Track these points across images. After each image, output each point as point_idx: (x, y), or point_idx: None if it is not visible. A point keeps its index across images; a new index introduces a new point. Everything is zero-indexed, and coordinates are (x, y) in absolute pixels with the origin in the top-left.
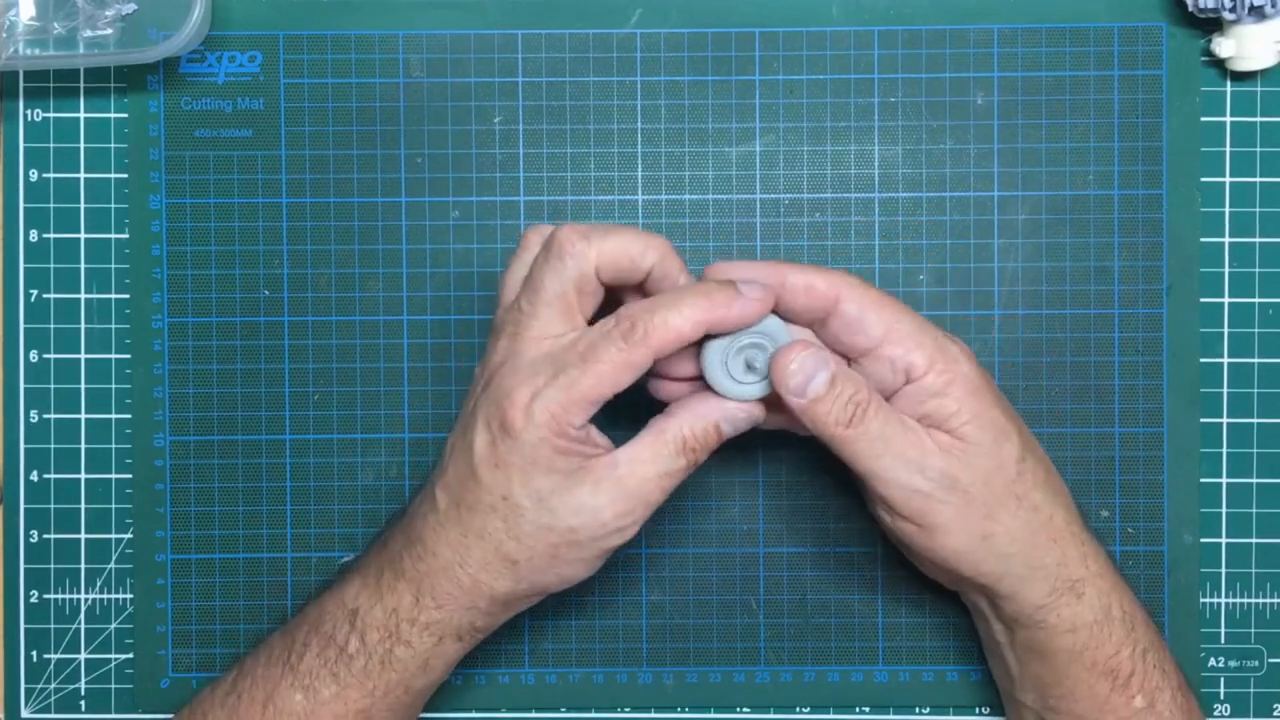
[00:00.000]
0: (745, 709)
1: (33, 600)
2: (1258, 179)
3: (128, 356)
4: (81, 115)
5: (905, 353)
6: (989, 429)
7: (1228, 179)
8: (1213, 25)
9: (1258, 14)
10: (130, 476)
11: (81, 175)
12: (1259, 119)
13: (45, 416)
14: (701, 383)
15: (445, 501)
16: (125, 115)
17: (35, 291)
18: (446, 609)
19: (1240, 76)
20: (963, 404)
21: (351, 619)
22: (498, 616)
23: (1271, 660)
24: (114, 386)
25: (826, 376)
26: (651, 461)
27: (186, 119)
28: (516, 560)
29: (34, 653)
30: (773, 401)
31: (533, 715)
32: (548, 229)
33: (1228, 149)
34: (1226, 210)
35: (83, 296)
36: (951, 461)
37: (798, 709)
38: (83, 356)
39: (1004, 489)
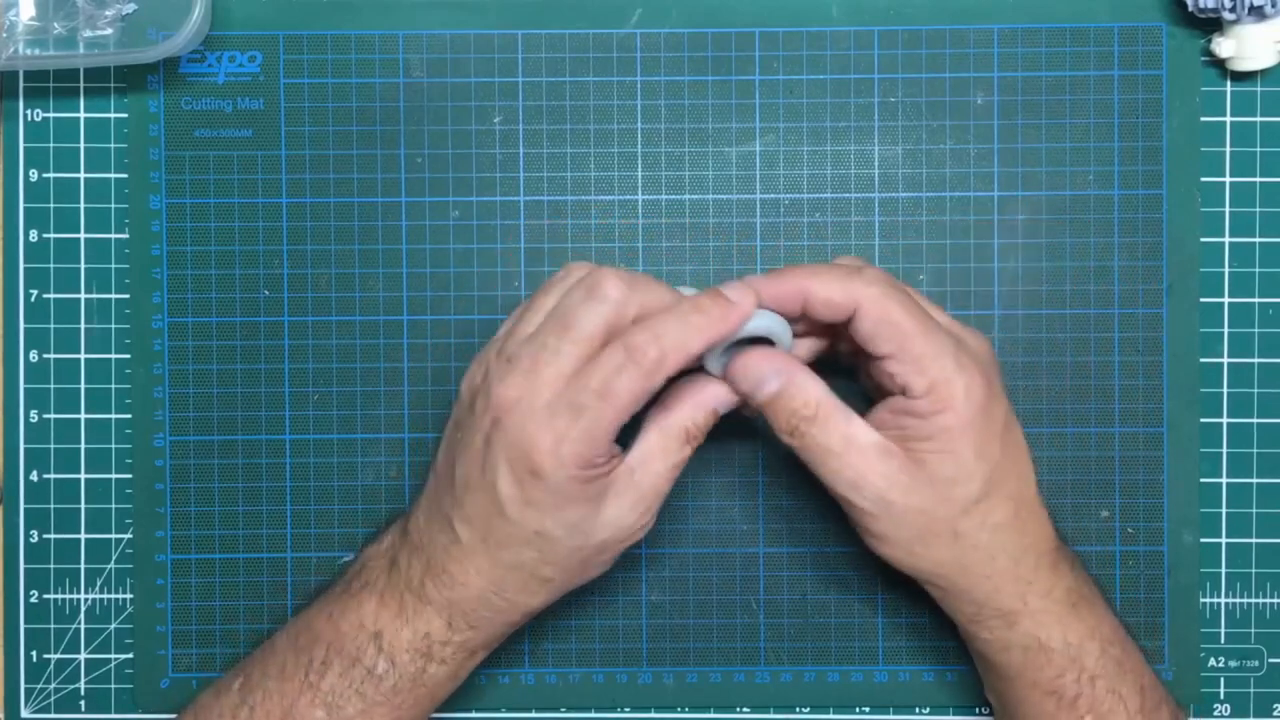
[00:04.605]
0: (745, 709)
1: (33, 600)
2: (1258, 179)
3: (128, 356)
4: (81, 115)
5: (905, 374)
6: (951, 466)
7: (1228, 179)
8: (1213, 25)
9: (1258, 14)
10: (130, 476)
11: (81, 175)
12: (1259, 119)
13: (45, 416)
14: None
15: (470, 536)
16: (125, 115)
17: (35, 291)
18: (482, 630)
19: (1240, 76)
20: (938, 435)
21: (377, 642)
22: (526, 621)
23: (1271, 660)
24: (114, 386)
25: (773, 388)
26: (661, 458)
27: (186, 119)
28: (551, 579)
29: (34, 653)
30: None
31: (533, 715)
32: (587, 267)
33: (1228, 149)
34: (1226, 210)
35: (83, 296)
36: (892, 488)
37: (798, 709)
38: (83, 356)
39: (943, 523)
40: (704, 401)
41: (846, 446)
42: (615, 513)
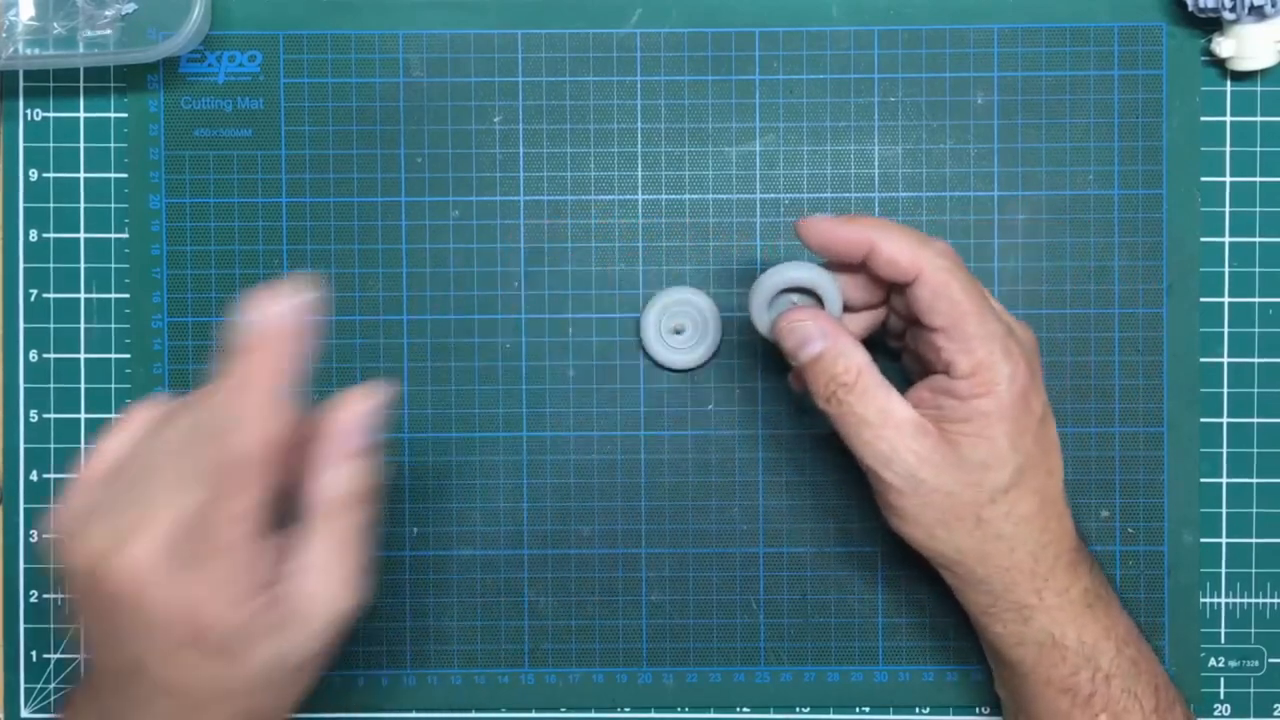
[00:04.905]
0: (745, 709)
1: (33, 600)
2: (1258, 179)
3: (128, 356)
4: (81, 115)
5: (952, 351)
6: (984, 451)
7: (1228, 179)
8: (1213, 25)
9: (1258, 14)
10: None
11: (81, 175)
12: (1259, 119)
13: (45, 416)
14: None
15: (171, 709)
16: (125, 115)
17: (35, 291)
18: None
19: (1240, 76)
20: (975, 418)
21: None
22: None
23: (1271, 660)
24: (114, 386)
25: (816, 350)
26: (331, 538)
27: (186, 119)
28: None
29: (34, 653)
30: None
31: (533, 715)
32: (140, 414)
33: (1228, 149)
34: (1226, 210)
35: (83, 296)
36: (923, 465)
37: (798, 709)
38: (83, 356)
39: (968, 508)
40: (343, 453)
41: (883, 419)
42: (286, 646)
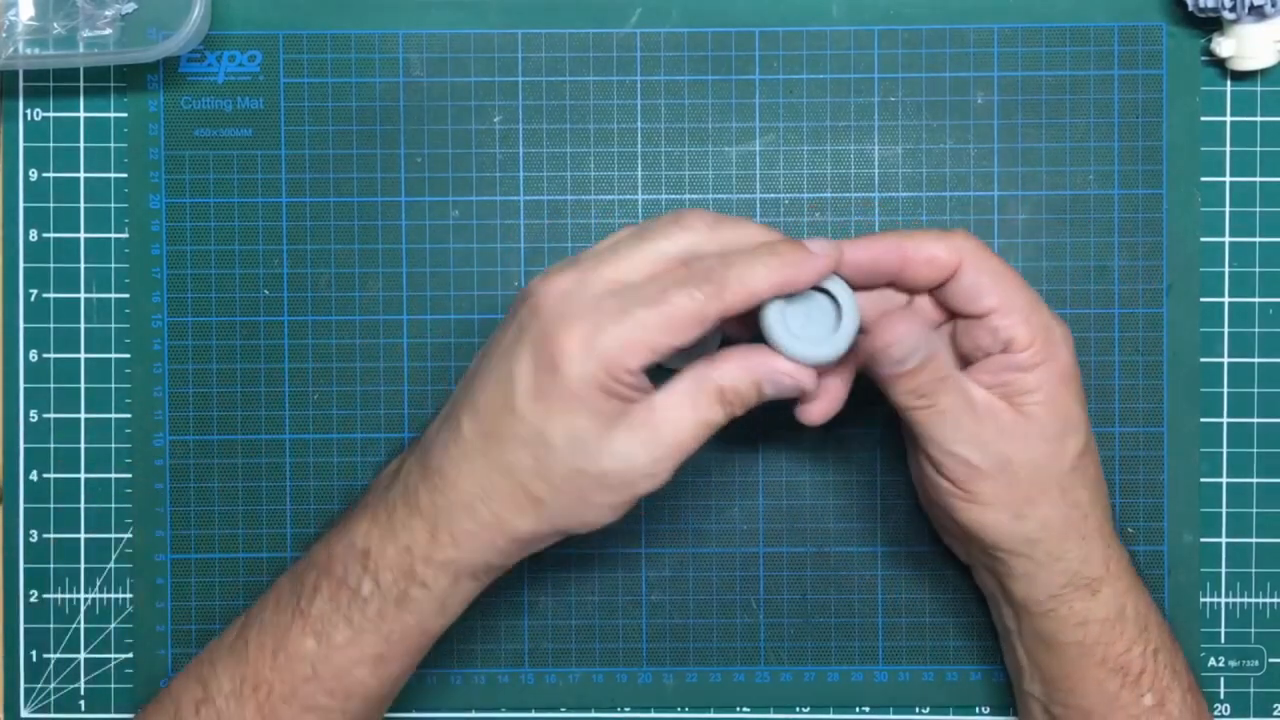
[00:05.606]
0: (745, 709)
1: (32, 600)
2: (1258, 179)
3: (128, 356)
4: (81, 115)
5: (1011, 326)
6: (1058, 417)
7: (1228, 179)
8: (1213, 25)
9: (1258, 13)
10: (130, 476)
11: (81, 175)
12: (1259, 119)
13: (45, 416)
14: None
15: (472, 431)
16: (125, 115)
17: (35, 291)
18: (464, 547)
19: (1240, 76)
20: (1043, 386)
21: (364, 560)
22: (514, 556)
23: (1271, 660)
24: (114, 386)
25: (923, 356)
26: (690, 408)
27: (186, 118)
28: (542, 499)
29: (34, 653)
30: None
31: (533, 715)
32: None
33: (1228, 149)
34: (1226, 210)
35: (83, 296)
36: (1010, 443)
37: (798, 709)
38: (82, 356)
39: (1052, 478)
40: (752, 368)
41: (968, 406)
42: (625, 445)
